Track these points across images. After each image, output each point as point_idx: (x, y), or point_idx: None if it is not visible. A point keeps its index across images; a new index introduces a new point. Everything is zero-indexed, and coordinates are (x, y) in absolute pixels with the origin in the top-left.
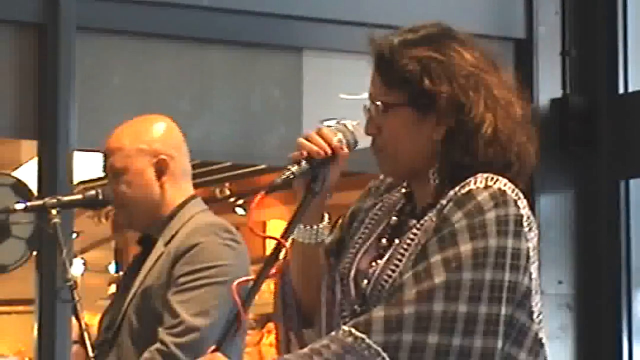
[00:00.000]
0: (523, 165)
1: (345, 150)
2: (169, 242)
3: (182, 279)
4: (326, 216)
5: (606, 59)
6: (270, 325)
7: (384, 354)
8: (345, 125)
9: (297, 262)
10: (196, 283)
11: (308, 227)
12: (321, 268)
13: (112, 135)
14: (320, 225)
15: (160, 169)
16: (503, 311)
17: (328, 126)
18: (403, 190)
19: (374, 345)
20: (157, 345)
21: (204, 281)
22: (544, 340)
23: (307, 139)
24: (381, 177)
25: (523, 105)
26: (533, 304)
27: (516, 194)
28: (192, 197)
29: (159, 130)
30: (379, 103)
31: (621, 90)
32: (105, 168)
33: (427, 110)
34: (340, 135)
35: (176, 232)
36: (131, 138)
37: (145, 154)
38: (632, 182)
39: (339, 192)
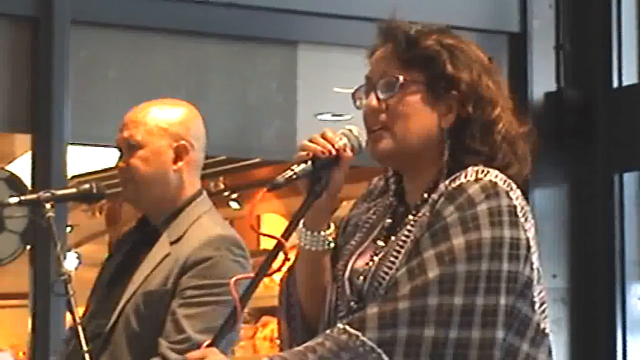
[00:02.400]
0: (521, 170)
1: (349, 153)
2: (175, 242)
3: (190, 292)
4: (332, 225)
5: (600, 53)
6: (265, 318)
7: (379, 350)
8: (350, 130)
9: (304, 271)
10: (205, 299)
11: (315, 234)
12: (327, 276)
13: (136, 109)
14: (327, 232)
15: (179, 154)
16: (502, 301)
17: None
18: (393, 194)
19: (369, 342)
20: (158, 359)
21: (213, 298)
22: (547, 331)
23: (310, 141)
24: (373, 182)
25: (521, 118)
26: (535, 293)
27: (508, 185)
28: (199, 193)
29: (185, 116)
30: (400, 78)
31: (615, 84)
32: (120, 139)
33: (440, 96)
34: (345, 140)
35: (184, 234)
36: (156, 116)
37: (167, 134)
38: (626, 175)
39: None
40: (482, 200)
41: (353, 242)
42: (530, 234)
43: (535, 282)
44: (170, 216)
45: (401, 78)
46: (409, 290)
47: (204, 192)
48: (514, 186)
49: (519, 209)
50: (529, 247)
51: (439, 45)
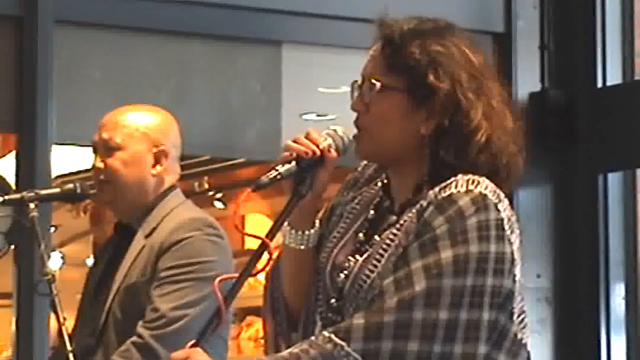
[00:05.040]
0: (510, 175)
1: (334, 153)
2: (149, 234)
3: (164, 273)
4: (317, 222)
5: (585, 53)
6: (249, 318)
7: None
8: (335, 131)
9: (289, 268)
10: (179, 277)
11: (299, 233)
12: (311, 273)
13: (116, 111)
14: (312, 231)
15: (159, 159)
16: (486, 317)
17: (329, 130)
18: (380, 184)
19: (353, 353)
20: (133, 338)
21: (187, 276)
22: (525, 341)
23: (295, 141)
24: (359, 169)
25: (514, 118)
26: (514, 305)
27: (497, 196)
28: (171, 188)
29: (165, 123)
30: (377, 83)
31: (599, 84)
32: (98, 140)
33: (421, 103)
34: (329, 140)
35: (157, 225)
36: (136, 120)
37: (147, 139)
38: (610, 175)
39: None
40: (472, 214)
41: (336, 234)
42: (515, 245)
43: (516, 293)
44: (144, 213)
45: (378, 84)
46: (396, 303)
47: (177, 188)
48: (502, 196)
49: (505, 222)
50: (512, 260)
51: (422, 52)
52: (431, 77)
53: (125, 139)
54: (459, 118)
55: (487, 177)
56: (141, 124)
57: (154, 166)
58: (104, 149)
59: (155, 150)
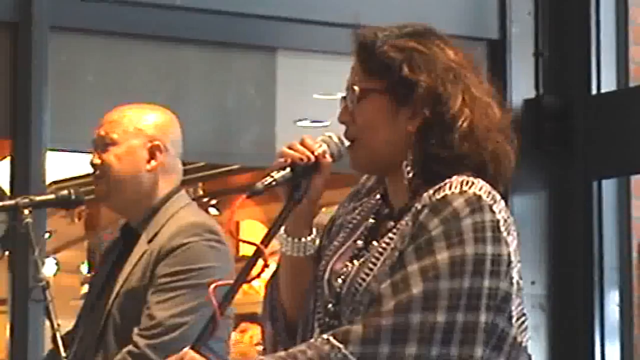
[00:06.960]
0: (500, 167)
1: (329, 159)
2: (151, 239)
3: (162, 280)
4: (314, 230)
5: (579, 60)
6: (244, 325)
7: None
8: (330, 137)
9: (286, 276)
10: (177, 284)
11: (296, 240)
12: (309, 281)
13: (116, 109)
14: (308, 238)
15: (153, 153)
16: (483, 319)
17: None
18: (379, 195)
19: (350, 356)
20: (129, 347)
21: (185, 283)
22: (525, 344)
23: (290, 148)
24: (361, 181)
25: (502, 111)
26: (512, 307)
27: (492, 198)
28: (176, 191)
29: (163, 120)
30: (356, 88)
31: (594, 91)
32: (97, 137)
33: (403, 101)
34: (324, 146)
35: (159, 229)
36: (134, 117)
37: (142, 135)
38: (605, 182)
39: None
40: (467, 215)
41: (336, 243)
42: (512, 247)
43: (513, 295)
44: (148, 216)
45: (357, 89)
46: (393, 307)
47: (182, 190)
48: (497, 197)
49: (501, 223)
50: (509, 262)
51: (396, 50)
52: (408, 72)
53: (121, 135)
54: (440, 108)
55: (476, 171)
56: (138, 121)
57: (148, 161)
58: (101, 145)
59: (149, 144)
